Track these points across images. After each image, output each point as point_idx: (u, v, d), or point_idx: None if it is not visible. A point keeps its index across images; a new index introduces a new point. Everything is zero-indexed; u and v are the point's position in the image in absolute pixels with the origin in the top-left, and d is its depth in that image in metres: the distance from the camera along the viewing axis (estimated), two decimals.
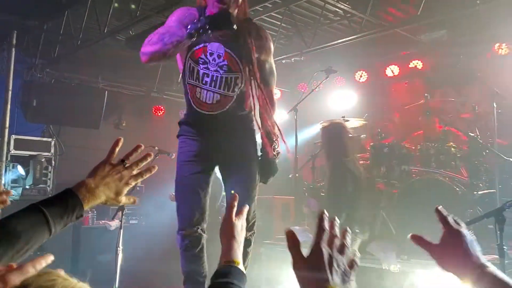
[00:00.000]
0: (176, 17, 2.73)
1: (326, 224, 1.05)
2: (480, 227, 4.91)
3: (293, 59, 7.33)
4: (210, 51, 2.74)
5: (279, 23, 6.96)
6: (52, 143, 7.33)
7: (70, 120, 7.56)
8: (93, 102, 7.69)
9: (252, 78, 2.75)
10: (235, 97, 2.83)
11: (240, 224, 1.47)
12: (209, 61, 2.73)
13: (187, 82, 2.82)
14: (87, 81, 8.17)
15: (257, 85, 2.76)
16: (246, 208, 1.56)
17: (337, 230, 1.08)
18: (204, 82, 2.75)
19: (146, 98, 8.92)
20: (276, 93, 3.10)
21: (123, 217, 5.29)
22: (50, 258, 1.04)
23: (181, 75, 2.90)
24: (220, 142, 2.86)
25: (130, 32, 6.51)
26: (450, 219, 1.26)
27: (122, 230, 5.04)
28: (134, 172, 1.44)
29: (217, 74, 2.74)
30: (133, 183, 1.44)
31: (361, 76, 8.26)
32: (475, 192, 4.92)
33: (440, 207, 1.27)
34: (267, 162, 2.88)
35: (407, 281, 4.59)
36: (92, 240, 6.72)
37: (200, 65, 2.74)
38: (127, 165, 1.43)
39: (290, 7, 6.54)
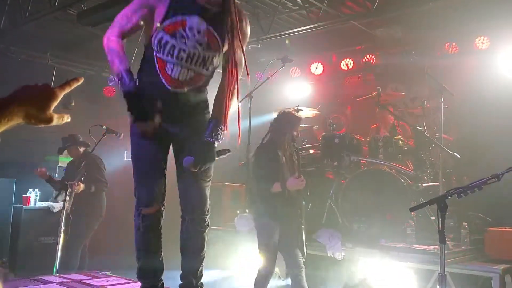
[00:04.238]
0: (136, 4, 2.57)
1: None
2: (423, 218, 5.10)
3: (250, 46, 7.29)
4: (189, 25, 2.53)
5: None
6: None
7: None
8: (40, 79, 7.35)
9: (232, 54, 2.59)
10: (208, 76, 2.71)
11: None
12: (188, 36, 2.53)
13: (155, 54, 2.59)
14: (35, 57, 7.82)
15: (234, 64, 2.59)
16: None
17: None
18: (180, 58, 2.54)
19: (97, 78, 8.64)
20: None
21: (67, 197, 5.14)
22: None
23: (147, 40, 2.65)
24: (179, 121, 2.71)
25: (82, 6, 6.25)
26: None
27: (65, 211, 4.90)
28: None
29: (194, 51, 2.55)
30: (61, 94, 1.20)
31: (316, 68, 8.32)
32: (419, 184, 5.06)
33: None
34: (206, 146, 2.59)
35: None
36: (34, 222, 6.45)
37: (177, 39, 2.52)
38: None
39: None
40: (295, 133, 4.44)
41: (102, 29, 7.07)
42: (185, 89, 2.64)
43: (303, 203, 4.39)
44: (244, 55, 2.69)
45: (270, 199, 4.14)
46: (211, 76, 2.76)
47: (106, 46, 2.60)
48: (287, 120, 4.50)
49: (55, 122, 1.18)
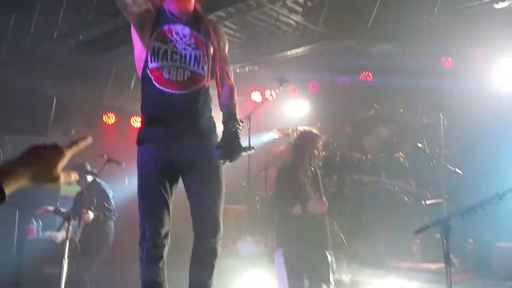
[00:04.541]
0: None
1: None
2: (428, 236, 5.06)
3: (247, 68, 7.35)
4: (175, 31, 2.74)
5: (233, 32, 6.96)
6: None
7: (16, 127, 7.24)
8: (41, 108, 7.41)
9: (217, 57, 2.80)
10: (205, 77, 2.78)
11: None
12: (176, 40, 2.72)
13: (150, 67, 2.71)
14: (35, 86, 7.85)
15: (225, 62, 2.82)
16: None
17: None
18: (174, 60, 2.70)
19: (96, 105, 8.67)
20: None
21: (70, 227, 5.11)
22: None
23: (140, 70, 2.78)
24: (186, 132, 2.74)
25: (81, 37, 6.33)
26: None
27: (68, 242, 4.87)
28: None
29: (186, 52, 2.72)
30: (69, 153, 1.22)
31: (313, 86, 8.35)
32: (423, 202, 5.05)
33: None
34: (232, 136, 2.66)
35: None
36: (37, 253, 6.41)
37: (168, 43, 2.71)
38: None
39: (244, 17, 6.56)
40: (316, 152, 4.36)
41: (100, 58, 7.17)
42: (186, 91, 2.72)
43: (328, 226, 4.19)
44: (228, 58, 2.93)
45: (292, 223, 4.03)
46: (207, 79, 2.81)
47: None
48: (305, 139, 4.42)
49: (62, 181, 1.19)
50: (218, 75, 2.81)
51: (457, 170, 5.09)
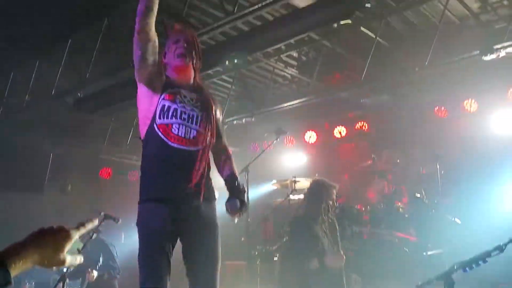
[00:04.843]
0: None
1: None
2: None
3: (244, 120, 7.42)
4: (183, 94, 2.92)
5: (230, 86, 7.08)
6: None
7: (11, 184, 7.20)
8: (37, 165, 7.40)
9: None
10: (209, 139, 2.91)
11: None
12: (185, 101, 2.90)
13: (158, 123, 2.83)
14: (32, 143, 7.88)
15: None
16: None
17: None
18: (183, 118, 2.85)
19: (93, 160, 8.68)
20: None
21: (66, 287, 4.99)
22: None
23: (145, 127, 2.87)
24: (195, 203, 2.77)
25: (79, 94, 6.42)
26: None
27: None
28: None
29: (193, 113, 2.89)
30: (76, 235, 1.24)
31: (310, 137, 8.41)
32: (424, 253, 4.98)
33: None
34: (243, 192, 2.90)
35: None
36: None
37: (178, 103, 2.87)
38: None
39: (240, 70, 6.70)
40: (330, 202, 4.25)
41: (97, 113, 7.23)
42: (193, 148, 2.81)
43: (344, 281, 4.06)
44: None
45: (308, 277, 3.89)
46: (211, 140, 2.92)
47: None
48: (320, 188, 4.30)
49: (68, 263, 1.20)
50: (217, 143, 2.99)
51: (456, 219, 5.05)
